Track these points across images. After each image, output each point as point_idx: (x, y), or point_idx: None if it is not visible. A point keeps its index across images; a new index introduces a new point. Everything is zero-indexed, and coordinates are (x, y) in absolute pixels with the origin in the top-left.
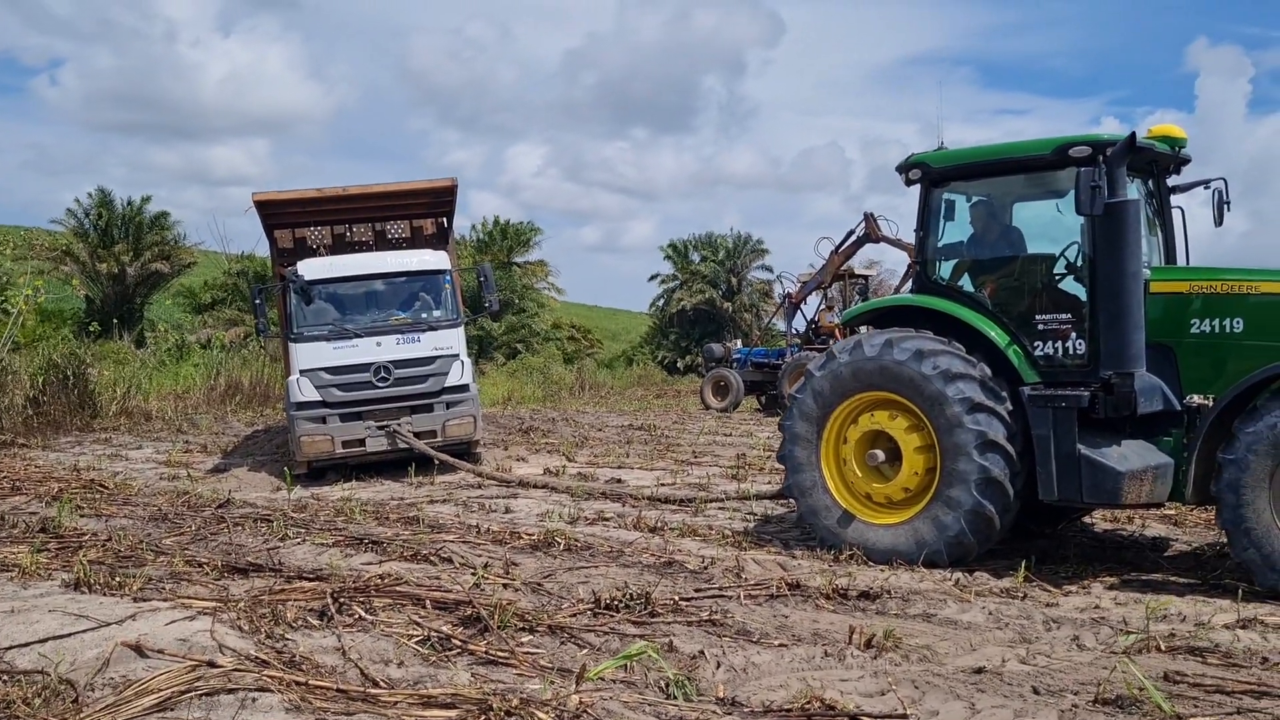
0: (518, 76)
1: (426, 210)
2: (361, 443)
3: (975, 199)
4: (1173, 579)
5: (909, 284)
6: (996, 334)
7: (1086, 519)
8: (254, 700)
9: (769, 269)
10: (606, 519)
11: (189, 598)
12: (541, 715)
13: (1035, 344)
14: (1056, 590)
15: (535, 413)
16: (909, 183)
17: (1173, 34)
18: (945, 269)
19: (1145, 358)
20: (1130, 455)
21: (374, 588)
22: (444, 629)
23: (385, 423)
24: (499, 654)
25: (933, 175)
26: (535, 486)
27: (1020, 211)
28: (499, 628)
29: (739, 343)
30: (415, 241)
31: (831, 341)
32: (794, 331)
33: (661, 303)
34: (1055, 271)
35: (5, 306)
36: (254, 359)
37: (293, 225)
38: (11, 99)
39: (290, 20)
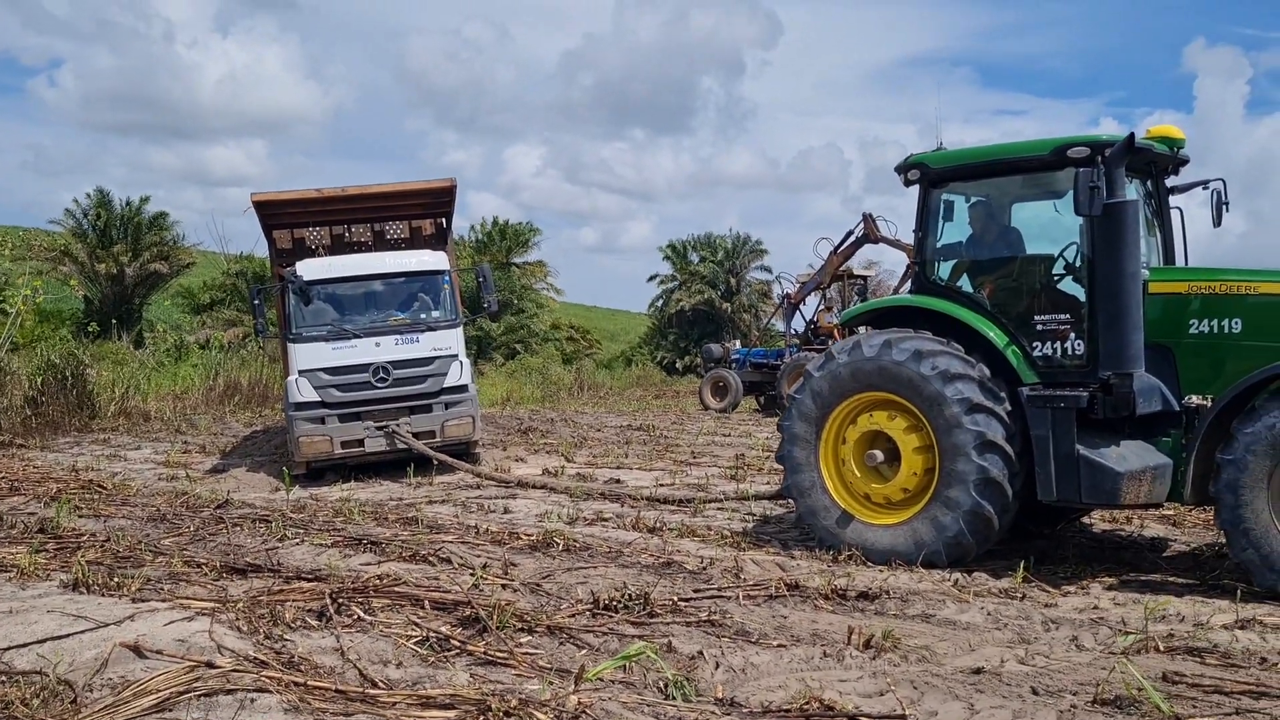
0: (516, 77)
1: (425, 211)
2: (360, 443)
3: (974, 199)
4: (1171, 579)
5: (908, 284)
6: (995, 334)
7: (1085, 519)
8: (253, 701)
9: (768, 269)
10: (605, 519)
11: (187, 598)
12: (540, 716)
13: (1034, 344)
14: (1055, 591)
15: (534, 413)
16: (908, 183)
17: (1171, 35)
18: (944, 269)
19: (1144, 358)
20: (1129, 456)
21: (373, 588)
22: (443, 629)
23: (384, 423)
24: (498, 654)
25: (931, 176)
26: (534, 487)
27: (1019, 212)
28: (498, 628)
29: (738, 343)
30: (414, 242)
31: (830, 342)
32: (793, 332)
33: (660, 303)
34: (1054, 272)
35: (4, 307)
36: (253, 359)
37: (291, 226)
38: (10, 99)
39: (288, 21)
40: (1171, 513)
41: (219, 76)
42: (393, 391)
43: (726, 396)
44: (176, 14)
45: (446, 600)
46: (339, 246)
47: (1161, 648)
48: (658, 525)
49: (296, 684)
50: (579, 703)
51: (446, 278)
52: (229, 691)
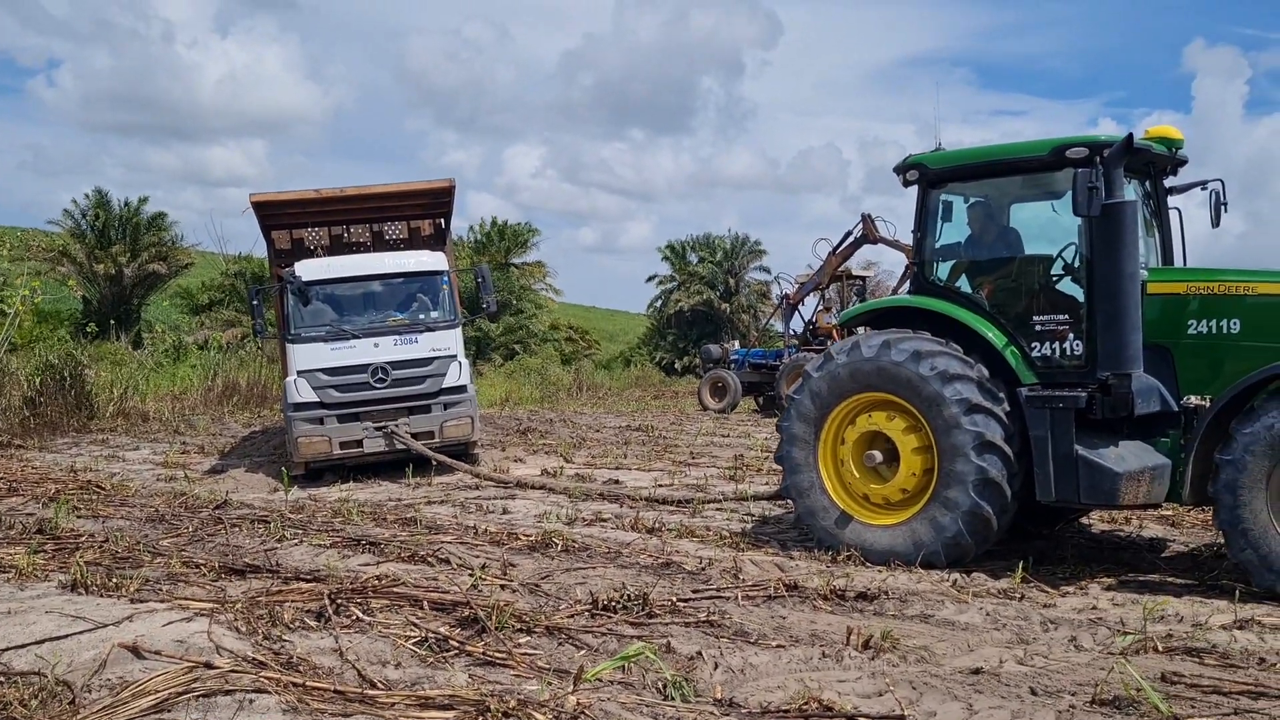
0: (516, 77)
1: (424, 211)
2: (359, 444)
3: (973, 200)
4: (1170, 580)
5: (906, 285)
6: (994, 335)
7: (1084, 520)
8: (251, 701)
9: (766, 270)
10: (604, 520)
11: (186, 599)
12: (539, 716)
13: (1033, 345)
14: (1054, 591)
15: (533, 414)
16: (907, 184)
17: (1170, 35)
18: (943, 270)
19: (1143, 359)
20: (1127, 456)
21: (371, 589)
22: (441, 630)
23: (383, 424)
24: (496, 655)
25: (930, 176)
26: (533, 487)
27: (1018, 212)
28: (496, 629)
29: (737, 344)
30: (413, 242)
31: (829, 342)
32: (791, 332)
33: (659, 304)
34: (1053, 272)
35: (2, 307)
36: (251, 360)
37: (290, 226)
38: (8, 100)
39: (287, 21)
40: (1170, 513)
41: (218, 77)
42: (391, 392)
43: (725, 397)
44: (176, 14)
45: (445, 601)
46: (338, 247)
47: (1160, 648)
48: (656, 526)
49: (295, 684)
50: (578, 703)
51: (445, 278)
52: (228, 692)
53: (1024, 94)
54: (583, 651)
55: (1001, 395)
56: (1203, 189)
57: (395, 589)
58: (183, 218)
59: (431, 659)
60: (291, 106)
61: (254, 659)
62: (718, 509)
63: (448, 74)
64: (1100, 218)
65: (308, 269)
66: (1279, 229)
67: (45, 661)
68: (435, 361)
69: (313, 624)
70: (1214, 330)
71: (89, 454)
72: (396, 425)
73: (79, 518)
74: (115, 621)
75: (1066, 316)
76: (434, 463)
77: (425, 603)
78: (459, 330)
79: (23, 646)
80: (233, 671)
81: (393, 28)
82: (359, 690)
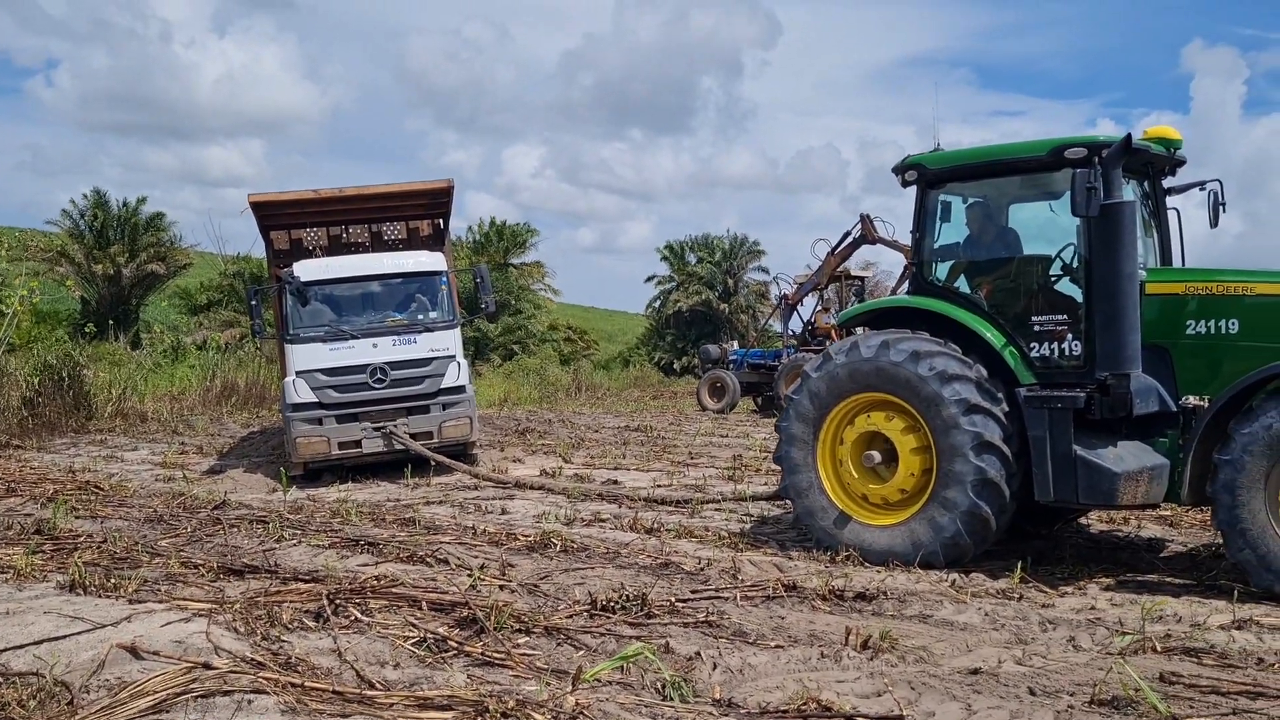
0: (515, 77)
1: (423, 211)
2: (358, 444)
3: (971, 200)
4: (1168, 580)
5: (905, 285)
6: (993, 335)
7: (1082, 520)
8: (250, 702)
9: (765, 270)
10: (603, 520)
11: (184, 599)
12: (538, 717)
13: (1031, 345)
14: (1052, 591)
15: (531, 414)
16: (905, 184)
17: (1168, 36)
18: (941, 270)
19: (1141, 359)
20: (1126, 456)
21: (370, 589)
22: (440, 630)
23: (381, 424)
24: (495, 655)
25: (929, 177)
26: (531, 488)
27: (1016, 213)
28: (495, 629)
29: (735, 344)
30: (411, 243)
31: (828, 343)
32: (790, 333)
33: (658, 304)
34: (1051, 273)
35: (0, 308)
36: (250, 360)
37: (289, 226)
38: (6, 100)
39: (286, 21)
40: (1168, 513)
41: (216, 76)
42: (390, 392)
43: (724, 397)
44: (174, 14)
45: (444, 601)
46: (336, 247)
47: (1158, 648)
48: (655, 526)
49: (293, 685)
50: (576, 703)
51: (444, 278)
52: (226, 693)
53: (1023, 94)
54: (581, 652)
55: (1000, 395)
56: (1201, 189)
57: (394, 589)
58: (181, 218)
59: (430, 659)
60: (290, 106)
61: (252, 659)
62: (716, 509)
63: (447, 74)
64: (1099, 218)
65: (306, 269)
66: (1277, 229)
67: (43, 662)
68: (434, 362)
69: (311, 624)
70: (1212, 330)
71: (87, 454)
72: (395, 426)
73: (77, 518)
74: (113, 622)
75: (1065, 317)
76: (432, 463)
77: (424, 603)
78: (458, 331)
79: (21, 647)
80: (231, 672)
81: (392, 27)
82: (357, 691)
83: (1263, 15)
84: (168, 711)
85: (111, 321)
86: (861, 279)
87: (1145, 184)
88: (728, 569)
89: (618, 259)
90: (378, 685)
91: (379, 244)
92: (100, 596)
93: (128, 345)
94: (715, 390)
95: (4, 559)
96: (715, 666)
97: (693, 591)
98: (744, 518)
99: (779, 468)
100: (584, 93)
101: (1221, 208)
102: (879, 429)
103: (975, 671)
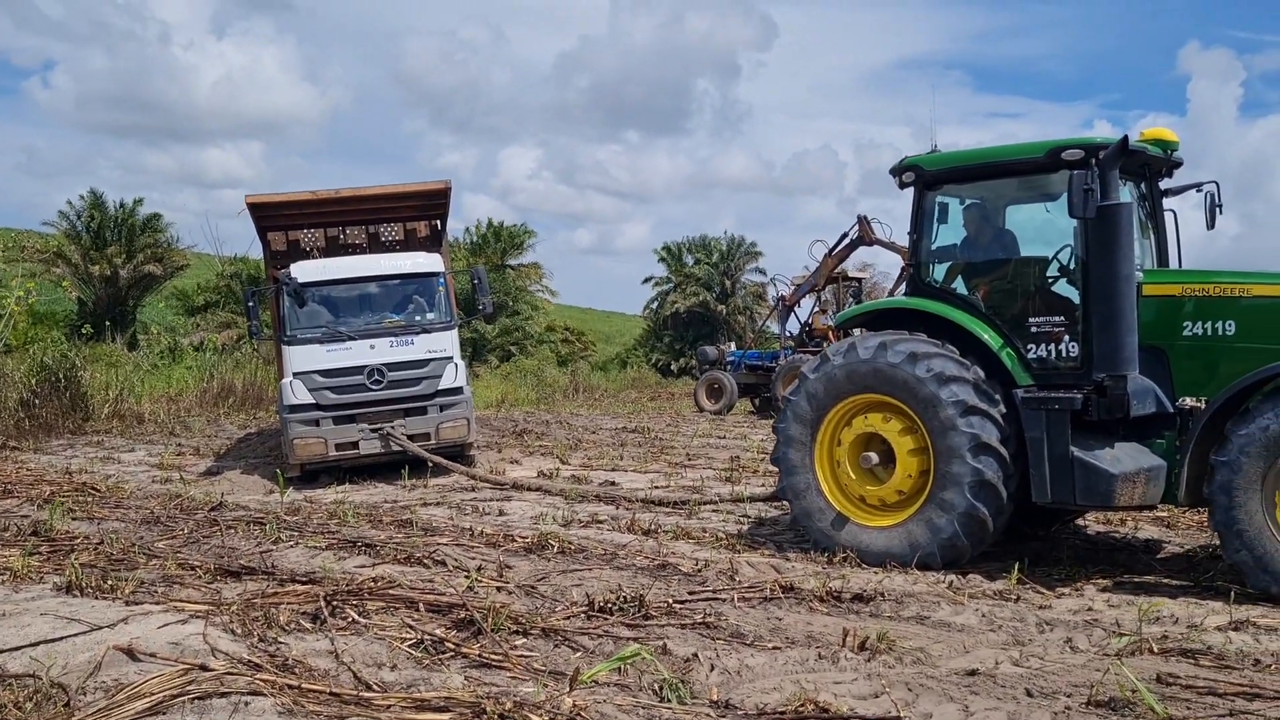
0: (511, 79)
1: (420, 213)
2: (355, 445)
3: (968, 202)
4: (1165, 581)
5: (902, 287)
6: (990, 337)
7: (1079, 521)
8: (247, 704)
9: (763, 272)
10: (600, 522)
11: (181, 601)
12: (535, 718)
13: (1028, 346)
14: (1050, 592)
15: (529, 415)
16: (902, 186)
17: (1165, 37)
18: (939, 272)
19: (1138, 360)
20: (1123, 458)
21: (367, 591)
22: (437, 632)
23: (379, 425)
24: (492, 657)
25: (926, 178)
26: (529, 489)
27: (1013, 214)
28: (492, 631)
29: (733, 345)
30: (409, 244)
31: (825, 344)
32: (788, 334)
33: (655, 305)
34: (1048, 274)
35: None
36: (247, 362)
37: (286, 228)
38: (4, 101)
39: (284, 22)
40: (1165, 514)
41: (215, 78)
42: (387, 394)
43: (721, 398)
44: (172, 16)
45: (441, 603)
46: (334, 248)
47: (1155, 649)
48: (653, 527)
49: (291, 687)
50: (574, 705)
51: (441, 280)
52: (223, 694)
53: (1020, 96)
54: (579, 653)
55: (997, 397)
56: (1198, 191)
57: (391, 591)
58: (179, 219)
59: (427, 661)
60: (288, 108)
61: (249, 661)
62: (714, 510)
63: (444, 75)
64: (1096, 220)
65: (304, 270)
66: (1274, 231)
67: (40, 664)
68: (431, 363)
69: (308, 626)
70: (1209, 332)
71: (84, 456)
72: (392, 427)
73: (74, 520)
74: (110, 624)
75: (1062, 318)
76: (430, 464)
77: (421, 605)
78: (455, 332)
79: (17, 649)
80: (228, 674)
81: (389, 29)
82: (355, 692)
83: (1259, 17)
84: (165, 713)
85: (108, 323)
86: (859, 280)
87: (1142, 186)
88: (725, 570)
89: (615, 260)
90: (375, 687)
91: (376, 245)
92: (97, 598)
93: (125, 346)
94: (713, 391)
95: (1, 560)
96: (713, 668)
97: (690, 593)
98: (741, 519)
99: (776, 469)
100: (580, 94)
101: (1218, 209)
102: (876, 430)
103: (972, 673)
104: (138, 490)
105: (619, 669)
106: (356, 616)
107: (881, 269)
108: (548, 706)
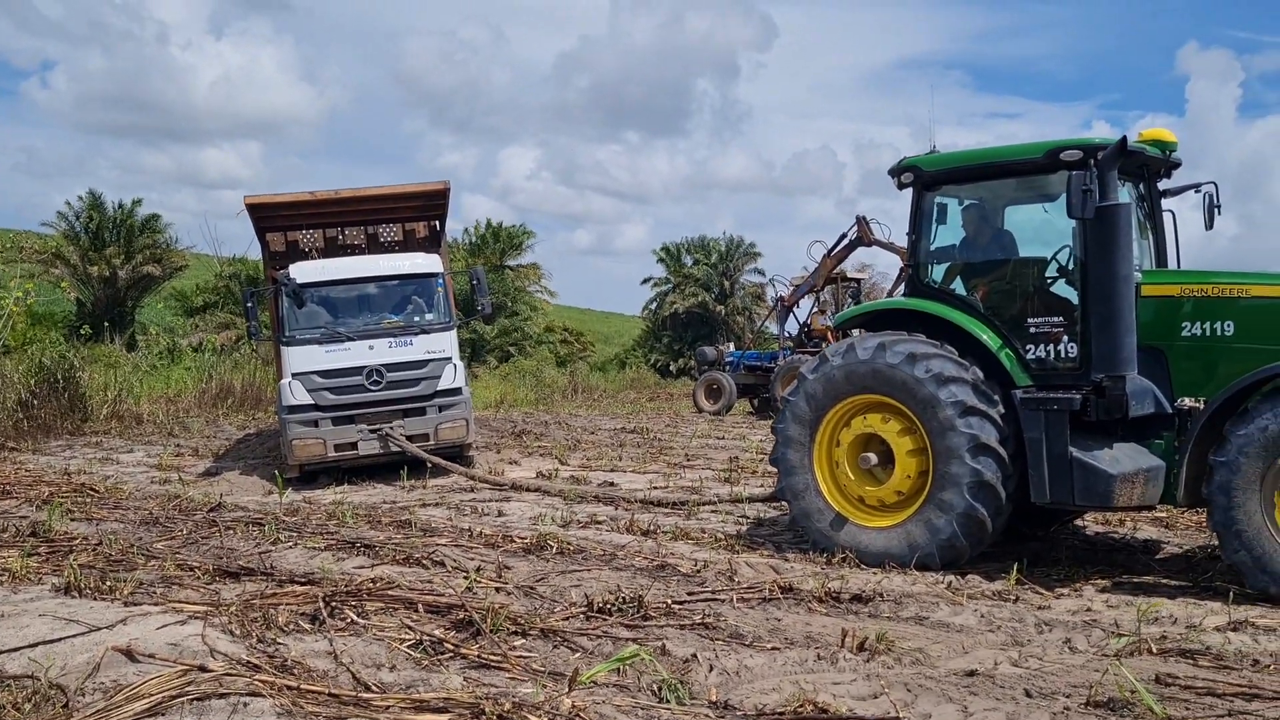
0: (511, 79)
1: (419, 213)
2: (354, 446)
3: (967, 202)
4: (1164, 581)
5: (901, 287)
6: (989, 337)
7: (1078, 522)
8: (245, 705)
9: (761, 272)
10: (599, 522)
11: (180, 602)
12: (534, 719)
13: (1027, 347)
14: (1048, 593)
15: (528, 416)
16: (901, 186)
17: (1164, 38)
18: (938, 272)
19: (1137, 361)
20: (1122, 458)
21: (366, 591)
22: (436, 633)
23: (377, 426)
24: (491, 658)
25: (925, 179)
26: (528, 490)
27: (1012, 215)
28: (491, 631)
29: (732, 346)
30: (408, 245)
31: (824, 345)
32: (786, 335)
33: (654, 306)
34: (1047, 275)
35: None
36: (246, 362)
37: (285, 228)
38: (3, 101)
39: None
40: (1164, 515)
41: (213, 78)
42: (386, 394)
43: (720, 399)
44: (170, 16)
45: (440, 603)
46: (332, 249)
47: (1154, 650)
48: (652, 528)
49: (289, 688)
50: (573, 706)
51: (440, 280)
52: (222, 695)
53: (1018, 96)
54: (578, 654)
55: (996, 397)
56: (1196, 191)
57: (390, 592)
58: (177, 220)
59: (426, 662)
60: (286, 108)
61: (248, 662)
62: (713, 511)
63: (443, 75)
64: (1094, 220)
65: (302, 271)
66: (1272, 231)
67: (39, 665)
68: (430, 364)
69: (307, 627)
70: (1208, 332)
71: (83, 456)
72: (391, 428)
73: (73, 520)
74: (109, 625)
75: (1061, 319)
76: (429, 465)
77: (420, 605)
78: (454, 333)
79: (16, 650)
80: (227, 675)
81: (388, 29)
82: (354, 693)
83: (1258, 18)
84: (163, 714)
85: (107, 323)
86: (858, 281)
87: (1141, 186)
88: (724, 571)
89: (614, 261)
90: (374, 687)
91: (375, 246)
92: (95, 599)
93: (123, 347)
94: (711, 392)
95: (0, 561)
96: (712, 668)
97: (689, 593)
98: (740, 520)
99: (775, 469)
100: (579, 95)
101: (1217, 210)
102: (875, 431)
103: (971, 673)
104: (136, 491)
105: (618, 670)
106: (355, 617)
107: (880, 270)
108: (546, 707)
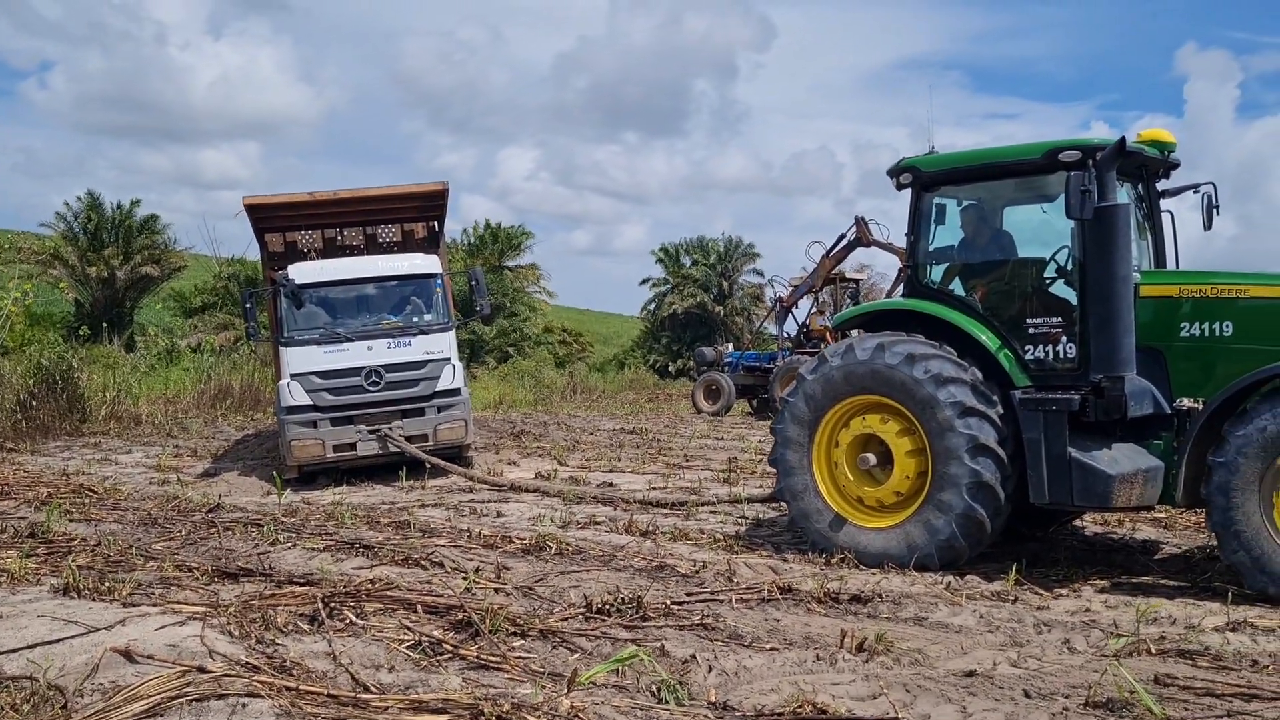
0: (509, 80)
1: (417, 214)
2: (352, 447)
3: (966, 203)
4: (1163, 582)
5: (900, 288)
6: (987, 338)
7: (1077, 522)
8: (244, 706)
9: (760, 273)
10: (598, 523)
11: (179, 603)
12: None
13: (1026, 348)
14: (1047, 593)
15: (527, 416)
16: (900, 187)
17: (1162, 39)
18: (936, 273)
19: (1135, 361)
20: (1120, 459)
21: (365, 592)
22: (435, 634)
23: (376, 427)
24: (490, 659)
25: (924, 179)
26: (527, 490)
27: (1011, 215)
28: (490, 632)
29: (730, 346)
30: (406, 245)
31: (822, 345)
32: (785, 335)
33: (653, 306)
34: (1046, 275)
35: None
36: (244, 363)
37: (283, 229)
38: (1, 102)
39: (280, 23)
40: (1163, 515)
41: (211, 79)
42: (385, 395)
43: (719, 400)
44: (169, 16)
45: (439, 604)
46: (331, 250)
47: (1153, 650)
48: (650, 529)
49: (288, 688)
50: (571, 707)
51: (439, 281)
52: (220, 696)
53: (1017, 97)
54: (576, 655)
55: (995, 398)
56: (1194, 192)
57: (389, 592)
58: (176, 220)
59: (425, 662)
60: (284, 109)
61: (247, 663)
62: (712, 512)
63: (441, 76)
64: (1093, 221)
65: (301, 272)
66: (1270, 232)
67: (37, 666)
68: (429, 364)
69: (306, 628)
70: (1206, 333)
71: (81, 457)
72: (390, 428)
73: (71, 521)
74: (107, 626)
75: (1059, 319)
76: (428, 466)
77: (419, 606)
78: (453, 333)
79: (14, 651)
80: (226, 676)
81: (386, 30)
82: (352, 694)
83: (1256, 19)
84: (162, 715)
85: (105, 324)
86: (856, 281)
87: (1139, 187)
88: (723, 571)
89: (613, 261)
90: (373, 688)
91: (374, 247)
92: (94, 600)
93: (122, 348)
94: (710, 393)
95: None
96: (710, 669)
97: (688, 594)
98: (739, 520)
99: (774, 470)
100: (578, 95)
101: (1215, 210)
102: (874, 431)
103: (970, 674)
104: (135, 492)
105: (617, 670)
106: (354, 618)
107: (879, 270)
108: (545, 708)
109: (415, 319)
